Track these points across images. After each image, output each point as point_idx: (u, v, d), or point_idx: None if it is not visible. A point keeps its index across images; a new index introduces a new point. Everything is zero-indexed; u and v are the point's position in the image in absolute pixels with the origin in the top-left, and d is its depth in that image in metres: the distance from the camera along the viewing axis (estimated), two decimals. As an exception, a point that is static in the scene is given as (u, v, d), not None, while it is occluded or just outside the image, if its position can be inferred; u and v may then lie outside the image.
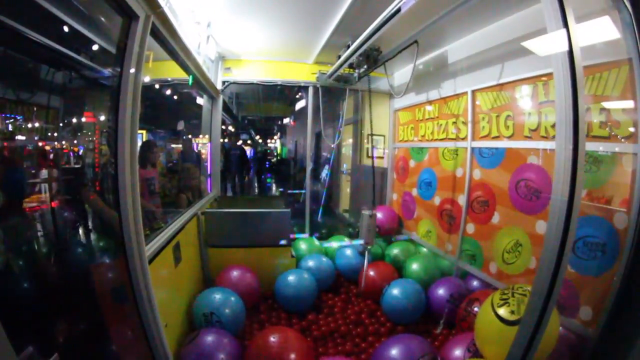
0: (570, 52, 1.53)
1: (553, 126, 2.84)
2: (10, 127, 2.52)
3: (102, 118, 3.21)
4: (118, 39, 2.05)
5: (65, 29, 2.56)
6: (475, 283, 3.69)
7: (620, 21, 2.21)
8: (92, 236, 2.95)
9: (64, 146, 3.11)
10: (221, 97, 5.10)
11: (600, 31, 2.33)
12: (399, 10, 2.64)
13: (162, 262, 2.65)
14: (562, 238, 1.61)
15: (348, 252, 4.57)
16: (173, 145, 6.62)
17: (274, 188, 10.39)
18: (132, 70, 1.92)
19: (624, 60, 2.28)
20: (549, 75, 2.87)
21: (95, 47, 2.89)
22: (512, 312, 2.29)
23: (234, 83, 5.15)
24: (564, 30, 1.54)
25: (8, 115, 2.46)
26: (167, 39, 2.63)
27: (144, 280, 2.02)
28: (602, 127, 2.43)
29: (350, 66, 4.42)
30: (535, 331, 1.73)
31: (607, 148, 2.40)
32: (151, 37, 2.16)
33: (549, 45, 1.66)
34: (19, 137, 2.59)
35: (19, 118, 2.54)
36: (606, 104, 2.44)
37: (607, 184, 2.39)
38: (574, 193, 1.57)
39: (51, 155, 2.94)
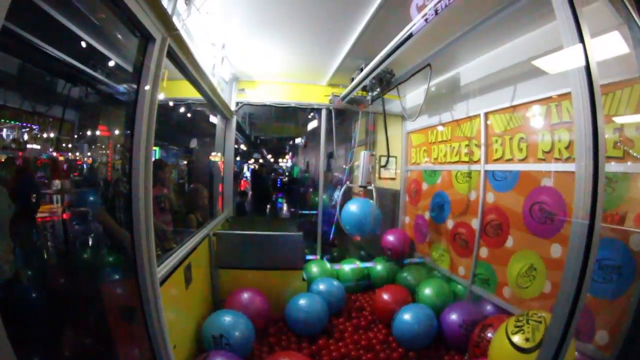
0: (588, 67, 1.51)
1: (567, 147, 2.83)
2: (25, 136, 2.56)
3: (117, 132, 3.26)
4: (135, 60, 2.10)
5: (83, 45, 2.61)
6: (488, 307, 3.61)
7: (631, 38, 2.19)
8: (103, 252, 2.94)
9: (77, 157, 3.15)
10: (235, 118, 5.16)
11: (610, 48, 2.32)
12: (410, 35, 2.67)
13: (173, 284, 2.65)
14: (582, 263, 1.55)
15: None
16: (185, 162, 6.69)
17: (285, 208, 10.39)
18: (148, 91, 1.96)
19: (636, 79, 2.27)
20: (562, 96, 2.87)
21: (111, 64, 2.94)
22: (527, 340, 2.24)
23: (248, 104, 5.22)
24: (580, 46, 1.53)
25: (24, 124, 2.51)
26: (182, 60, 2.67)
27: (155, 301, 2.02)
28: (616, 147, 2.39)
29: (364, 89, 4.45)
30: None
31: (622, 168, 2.37)
32: (167, 58, 2.20)
33: (565, 61, 1.64)
34: (34, 147, 2.63)
35: (35, 127, 2.59)
36: (620, 123, 2.41)
37: (622, 204, 2.35)
38: (594, 215, 1.52)
39: (64, 166, 2.98)
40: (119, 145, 3.15)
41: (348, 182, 4.97)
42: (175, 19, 2.45)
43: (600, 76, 1.52)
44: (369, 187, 4.49)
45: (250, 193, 9.38)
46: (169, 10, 2.33)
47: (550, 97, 2.99)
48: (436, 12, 2.34)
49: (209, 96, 3.79)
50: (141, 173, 1.92)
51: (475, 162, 3.94)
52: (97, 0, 1.67)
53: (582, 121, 1.53)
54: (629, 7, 2.05)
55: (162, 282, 2.32)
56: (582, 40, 1.52)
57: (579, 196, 1.55)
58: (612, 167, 2.40)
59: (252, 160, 13.19)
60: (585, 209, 1.53)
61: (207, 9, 2.87)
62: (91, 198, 3.10)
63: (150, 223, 2.00)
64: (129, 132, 1.96)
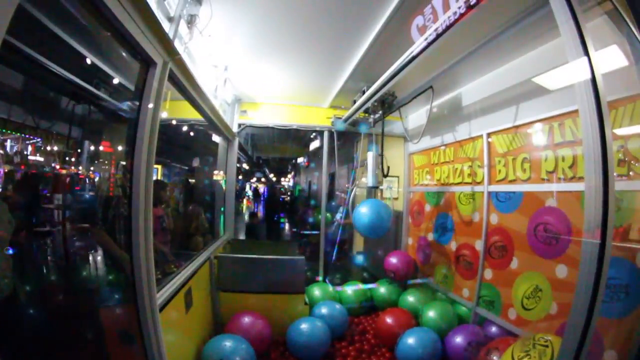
0: (594, 81, 1.50)
1: (571, 167, 2.81)
2: (29, 149, 2.56)
3: (119, 148, 3.27)
4: (136, 83, 2.11)
5: (87, 63, 2.63)
6: (493, 329, 3.55)
7: (632, 54, 2.17)
8: (102, 270, 2.90)
9: (80, 171, 3.14)
10: (237, 140, 5.18)
11: (612, 65, 2.30)
12: (413, 58, 2.69)
13: (173, 308, 2.61)
14: (594, 286, 1.51)
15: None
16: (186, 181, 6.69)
17: (287, 228, 10.36)
18: (149, 114, 1.96)
19: (638, 95, 2.26)
20: (564, 115, 2.87)
21: (114, 82, 2.96)
22: (534, 365, 2.17)
23: (251, 126, 5.25)
24: (585, 59, 1.52)
25: (28, 136, 2.52)
26: (184, 83, 2.68)
27: (154, 328, 1.99)
28: (621, 165, 2.37)
29: (366, 111, 4.48)
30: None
31: (627, 186, 2.35)
32: (168, 82, 2.21)
33: (570, 76, 1.63)
34: (37, 158, 2.62)
35: (38, 140, 2.59)
36: (623, 140, 2.39)
37: (627, 222, 2.31)
38: (605, 232, 1.49)
39: (66, 180, 2.97)
40: (120, 164, 3.15)
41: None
42: (177, 42, 2.48)
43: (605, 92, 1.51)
44: (380, 187, 4.54)
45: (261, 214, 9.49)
46: (171, 34, 2.36)
47: (553, 117, 2.99)
48: (437, 36, 2.36)
49: (210, 118, 3.81)
50: (141, 198, 1.91)
51: (479, 183, 3.92)
52: (100, 24, 1.66)
53: (589, 136, 1.51)
54: (630, 23, 2.05)
55: (162, 307, 2.28)
56: (587, 53, 1.52)
57: (589, 215, 1.52)
58: (619, 184, 2.37)
59: (254, 179, 13.22)
60: (595, 227, 1.50)
61: (210, 32, 2.91)
62: (91, 214, 3.08)
63: (150, 250, 1.98)
64: (130, 154, 1.96)
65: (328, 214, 5.48)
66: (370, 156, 4.59)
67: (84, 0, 1.45)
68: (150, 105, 1.97)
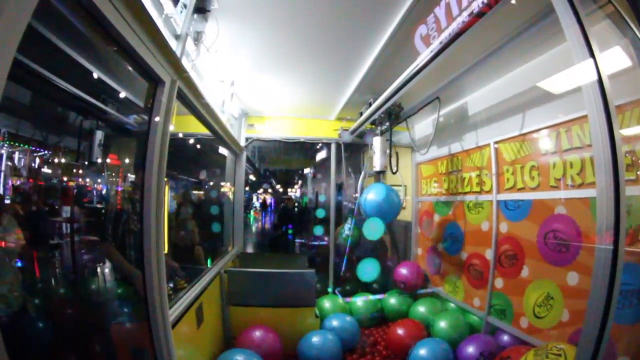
0: (601, 83, 1.51)
1: (579, 173, 2.81)
2: (37, 161, 2.58)
3: (126, 162, 3.30)
4: (145, 102, 2.14)
5: (94, 78, 2.65)
6: (505, 338, 3.52)
7: (637, 58, 2.17)
8: (112, 286, 2.90)
9: (87, 184, 3.16)
10: (244, 154, 5.22)
11: (617, 69, 2.29)
12: (419, 70, 2.71)
13: (185, 324, 2.61)
14: (608, 292, 1.50)
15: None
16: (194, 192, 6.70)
17: (295, 239, 10.33)
18: (159, 132, 1.98)
19: None
20: (571, 121, 2.87)
21: (121, 97, 2.99)
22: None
23: (258, 140, 5.30)
24: (591, 62, 1.53)
25: (37, 149, 2.54)
26: (192, 101, 2.71)
27: (167, 344, 1.99)
28: (629, 170, 2.36)
29: (373, 122, 4.50)
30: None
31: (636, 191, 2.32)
32: (176, 99, 2.24)
33: (577, 79, 1.64)
34: (45, 171, 2.64)
35: (46, 152, 2.61)
36: (632, 145, 2.39)
37: (637, 227, 2.28)
38: (618, 238, 1.48)
39: (74, 193, 2.98)
40: (129, 177, 3.17)
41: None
42: (184, 60, 2.51)
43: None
44: (394, 173, 4.55)
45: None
46: (178, 52, 2.40)
47: (559, 124, 2.99)
48: (443, 47, 2.38)
49: (218, 133, 3.84)
50: (152, 214, 1.91)
51: (487, 192, 3.90)
52: (108, 44, 1.70)
53: (599, 137, 1.52)
54: (634, 28, 2.05)
55: (174, 324, 2.28)
56: (593, 56, 1.53)
57: (601, 220, 1.52)
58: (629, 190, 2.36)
59: (260, 190, 13.24)
60: (607, 233, 1.49)
61: (216, 48, 2.95)
62: (99, 228, 3.08)
63: (162, 267, 1.98)
64: (140, 171, 1.97)
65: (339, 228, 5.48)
66: (377, 141, 4.62)
67: (95, 23, 1.46)
68: (160, 123, 2.00)
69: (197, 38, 2.75)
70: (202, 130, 3.79)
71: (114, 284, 2.83)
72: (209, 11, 2.63)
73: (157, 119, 2.00)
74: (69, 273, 2.76)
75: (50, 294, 2.58)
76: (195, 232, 4.62)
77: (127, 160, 3.33)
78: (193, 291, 2.97)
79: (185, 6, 2.49)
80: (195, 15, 2.62)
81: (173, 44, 2.39)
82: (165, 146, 2.03)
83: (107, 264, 2.85)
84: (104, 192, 3.31)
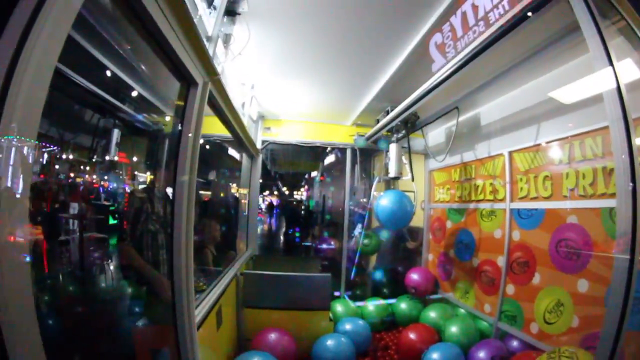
0: (620, 91, 1.58)
1: (591, 185, 2.86)
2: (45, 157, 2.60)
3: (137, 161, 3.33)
4: (176, 105, 2.16)
5: (109, 75, 2.65)
6: (515, 343, 3.56)
7: None
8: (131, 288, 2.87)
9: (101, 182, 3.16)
10: (260, 157, 5.26)
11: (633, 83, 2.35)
12: (442, 81, 2.77)
13: (206, 327, 2.64)
14: (624, 300, 1.57)
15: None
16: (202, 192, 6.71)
17: (303, 242, 10.36)
18: (192, 134, 2.00)
19: None
20: (585, 134, 2.93)
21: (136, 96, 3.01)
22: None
23: (274, 143, 5.35)
24: (610, 69, 1.60)
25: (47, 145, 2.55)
26: (219, 103, 2.71)
27: (192, 348, 1.99)
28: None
29: (389, 130, 4.55)
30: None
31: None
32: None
33: (597, 89, 1.77)
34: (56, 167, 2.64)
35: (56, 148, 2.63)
36: None
37: None
38: (635, 246, 1.52)
39: (88, 193, 2.97)
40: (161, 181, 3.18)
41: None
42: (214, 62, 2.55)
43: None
44: (404, 178, 4.62)
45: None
46: (210, 54, 2.43)
47: (574, 136, 3.05)
48: (468, 60, 2.44)
49: (239, 135, 3.85)
50: (183, 217, 1.92)
51: (500, 200, 3.96)
52: (145, 45, 1.69)
53: (619, 148, 1.58)
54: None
55: (198, 327, 2.31)
56: (613, 68, 1.61)
57: (620, 230, 1.57)
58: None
59: (266, 192, 13.28)
60: (626, 243, 1.54)
61: (242, 51, 2.98)
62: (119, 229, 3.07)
63: (191, 272, 1.98)
64: (172, 174, 1.97)
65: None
66: (393, 148, 4.66)
67: (136, 19, 1.44)
68: (192, 124, 2.00)
69: (226, 40, 2.78)
70: (217, 131, 3.81)
71: (136, 286, 2.83)
72: (238, 14, 2.65)
73: (189, 121, 2.00)
74: (82, 271, 2.74)
75: (63, 292, 2.57)
76: (217, 231, 4.64)
77: (162, 165, 3.36)
78: (214, 293, 3.02)
79: (215, 8, 2.50)
80: (225, 18, 2.64)
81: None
82: (196, 148, 2.03)
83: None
84: (143, 195, 3.33)
